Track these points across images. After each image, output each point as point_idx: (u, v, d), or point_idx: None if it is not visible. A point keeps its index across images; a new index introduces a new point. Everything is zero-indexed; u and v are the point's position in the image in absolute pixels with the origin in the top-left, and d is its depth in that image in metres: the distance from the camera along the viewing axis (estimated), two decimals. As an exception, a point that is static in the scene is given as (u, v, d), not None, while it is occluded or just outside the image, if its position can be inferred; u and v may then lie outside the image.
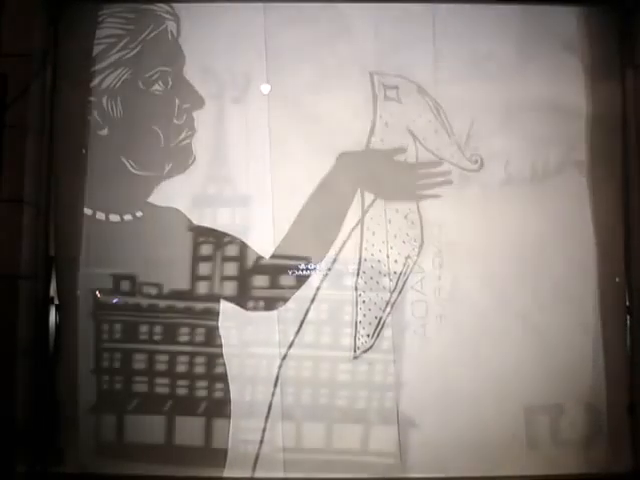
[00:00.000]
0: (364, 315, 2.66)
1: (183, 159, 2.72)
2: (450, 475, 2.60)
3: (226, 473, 2.62)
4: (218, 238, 2.68)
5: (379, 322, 2.65)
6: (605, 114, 2.74)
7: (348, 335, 2.66)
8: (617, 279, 2.68)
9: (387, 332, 2.66)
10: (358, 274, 2.67)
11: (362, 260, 2.67)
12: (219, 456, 2.62)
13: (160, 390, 2.65)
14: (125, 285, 2.67)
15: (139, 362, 2.65)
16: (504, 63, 2.75)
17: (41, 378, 2.60)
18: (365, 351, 2.65)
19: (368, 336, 2.65)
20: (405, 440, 2.62)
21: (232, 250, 2.68)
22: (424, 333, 2.66)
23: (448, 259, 2.68)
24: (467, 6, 2.77)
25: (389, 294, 2.66)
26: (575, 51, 2.76)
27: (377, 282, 2.67)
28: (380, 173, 2.71)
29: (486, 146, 2.71)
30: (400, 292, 2.66)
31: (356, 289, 2.66)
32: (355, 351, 2.65)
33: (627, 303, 2.67)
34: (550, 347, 2.64)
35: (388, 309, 2.66)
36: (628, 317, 2.66)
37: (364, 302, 2.66)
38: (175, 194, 2.70)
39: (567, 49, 2.76)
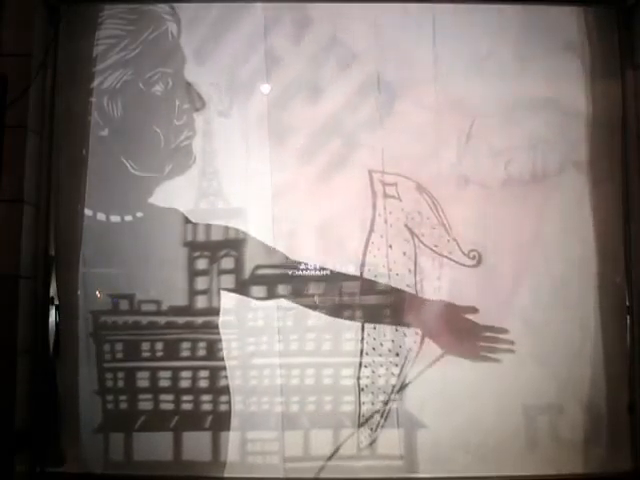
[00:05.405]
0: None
1: (183, 160, 2.72)
2: (450, 475, 2.60)
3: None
4: (214, 247, 2.68)
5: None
6: (605, 114, 2.74)
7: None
8: (617, 279, 2.68)
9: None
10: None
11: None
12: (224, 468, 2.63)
13: (165, 407, 2.64)
14: (124, 304, 2.66)
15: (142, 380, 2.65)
16: (504, 63, 2.75)
17: (41, 378, 2.60)
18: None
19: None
20: (406, 440, 2.63)
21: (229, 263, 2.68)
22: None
23: (448, 258, 2.68)
24: (467, 6, 2.77)
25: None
26: (575, 51, 2.77)
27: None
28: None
29: (486, 146, 2.71)
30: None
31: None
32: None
33: (627, 303, 2.67)
34: (550, 347, 2.64)
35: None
36: (628, 317, 2.66)
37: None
38: (176, 195, 2.70)
39: (567, 49, 2.77)
